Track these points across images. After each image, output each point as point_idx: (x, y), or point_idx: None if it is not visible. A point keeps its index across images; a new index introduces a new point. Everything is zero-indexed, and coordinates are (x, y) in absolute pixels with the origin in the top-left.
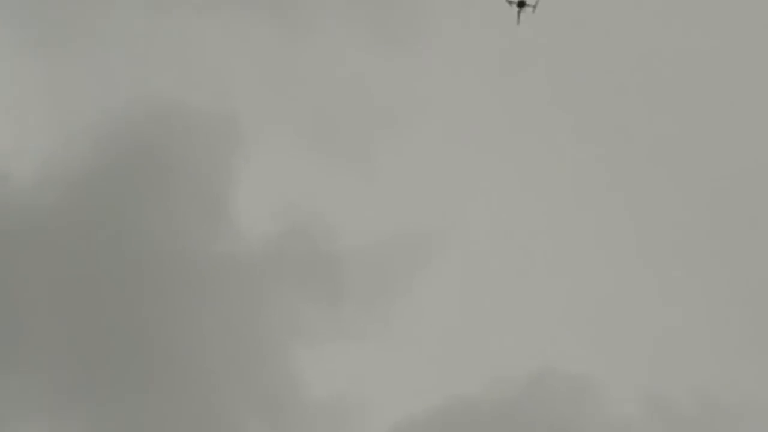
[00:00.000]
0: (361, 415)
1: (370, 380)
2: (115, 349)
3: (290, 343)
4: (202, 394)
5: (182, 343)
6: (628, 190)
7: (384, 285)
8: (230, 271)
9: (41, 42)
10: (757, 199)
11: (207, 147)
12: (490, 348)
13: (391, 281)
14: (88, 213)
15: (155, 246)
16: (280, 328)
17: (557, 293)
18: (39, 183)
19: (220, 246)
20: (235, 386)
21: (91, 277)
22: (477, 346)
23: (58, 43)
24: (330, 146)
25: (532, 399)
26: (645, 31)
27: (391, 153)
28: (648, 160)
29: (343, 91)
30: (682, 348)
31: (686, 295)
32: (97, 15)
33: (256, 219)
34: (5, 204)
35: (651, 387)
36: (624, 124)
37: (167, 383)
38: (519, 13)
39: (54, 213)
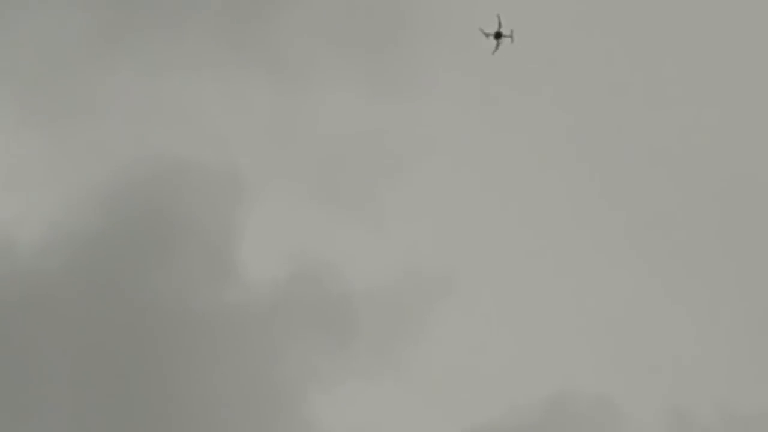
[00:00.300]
0: None
1: (387, 420)
2: (130, 408)
3: (304, 388)
4: None
5: (197, 396)
6: (637, 217)
7: (395, 324)
8: (241, 322)
9: (39, 107)
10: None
11: (211, 203)
12: (505, 377)
13: (401, 320)
14: (95, 275)
15: (165, 304)
16: (294, 374)
17: (568, 318)
18: (45, 249)
19: (230, 298)
20: None
21: (102, 338)
22: (491, 377)
23: (56, 107)
24: (333, 193)
25: (551, 424)
26: (643, 33)
27: (395, 196)
28: (659, 188)
29: (343, 139)
30: (699, 361)
31: (701, 308)
32: (93, 78)
33: (264, 269)
34: (13, 272)
35: (671, 402)
36: (636, 161)
37: None
38: (497, 44)
39: (62, 277)
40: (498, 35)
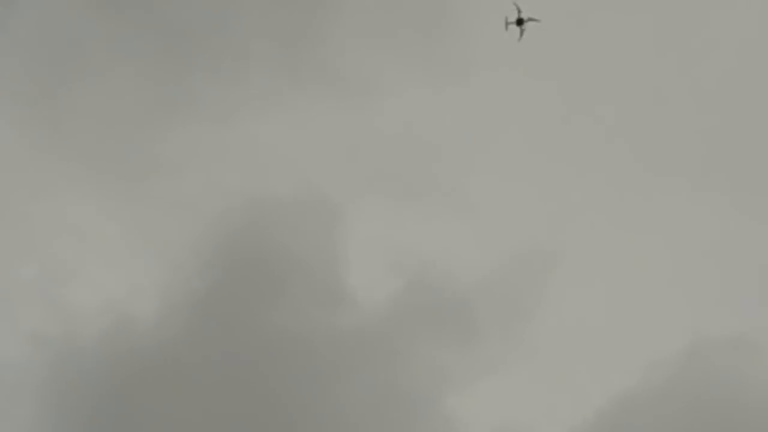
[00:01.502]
0: None
1: (527, 406)
2: None
3: (439, 393)
4: None
5: (337, 422)
6: (741, 154)
7: (513, 311)
8: (363, 342)
9: (117, 182)
10: None
11: (308, 231)
12: (635, 338)
13: (518, 306)
14: (213, 333)
15: (286, 344)
16: (425, 381)
17: (687, 264)
18: (163, 316)
19: (347, 321)
20: None
21: (232, 392)
22: (621, 339)
23: (132, 178)
24: (420, 193)
25: (691, 374)
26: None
27: (480, 182)
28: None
29: (415, 137)
30: None
31: None
32: (163, 137)
33: (373, 284)
34: (139, 347)
35: None
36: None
37: None
38: (521, 31)
39: (184, 337)
40: (519, 21)
